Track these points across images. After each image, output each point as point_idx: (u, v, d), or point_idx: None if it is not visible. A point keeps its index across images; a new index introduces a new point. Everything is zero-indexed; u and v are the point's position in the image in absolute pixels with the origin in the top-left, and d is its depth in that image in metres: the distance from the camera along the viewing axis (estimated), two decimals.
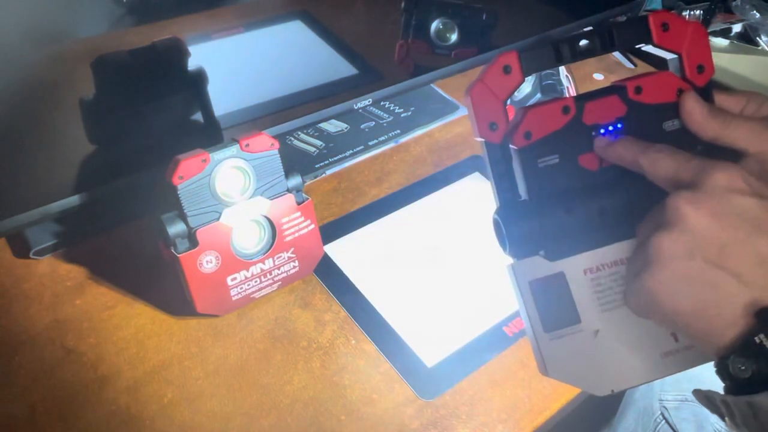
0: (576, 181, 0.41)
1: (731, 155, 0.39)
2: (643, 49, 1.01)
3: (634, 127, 0.41)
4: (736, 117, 0.39)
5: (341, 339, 0.61)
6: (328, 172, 0.80)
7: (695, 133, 0.40)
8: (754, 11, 1.02)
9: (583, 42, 0.41)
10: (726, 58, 1.00)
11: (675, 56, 0.42)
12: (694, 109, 0.40)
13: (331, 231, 0.72)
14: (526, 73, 0.40)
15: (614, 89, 0.41)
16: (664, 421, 0.72)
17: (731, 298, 0.34)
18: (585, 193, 0.41)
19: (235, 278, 0.60)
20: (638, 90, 0.41)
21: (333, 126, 0.86)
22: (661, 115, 0.41)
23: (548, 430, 0.58)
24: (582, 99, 0.41)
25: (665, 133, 0.41)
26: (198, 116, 0.66)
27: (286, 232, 0.61)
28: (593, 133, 0.41)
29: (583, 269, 0.41)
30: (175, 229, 0.56)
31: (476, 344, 0.61)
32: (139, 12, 0.58)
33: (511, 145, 0.41)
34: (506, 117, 0.41)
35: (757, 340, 0.33)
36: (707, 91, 0.42)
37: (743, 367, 0.34)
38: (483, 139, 0.41)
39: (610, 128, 0.41)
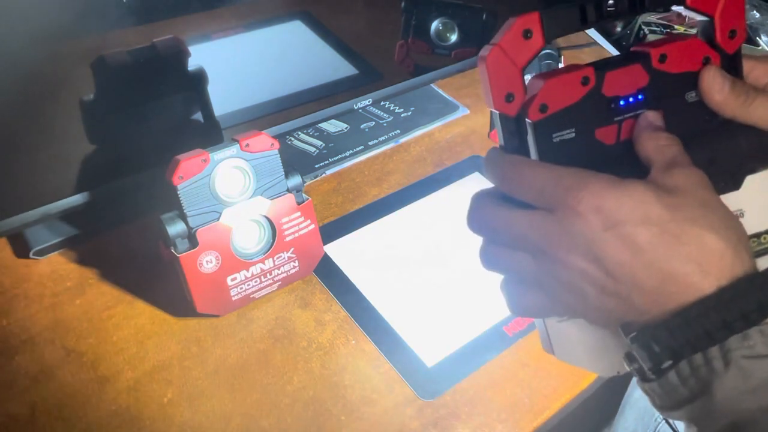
0: (591, 156, 0.38)
1: (750, 130, 0.38)
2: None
3: (655, 99, 0.38)
4: (760, 94, 0.38)
5: (341, 339, 0.61)
6: (328, 172, 0.80)
7: (714, 110, 0.39)
8: (754, 11, 1.02)
9: (611, 2, 0.37)
10: None
11: (706, 19, 0.39)
12: (712, 87, 0.38)
13: (331, 231, 0.72)
14: (547, 39, 0.36)
15: (637, 56, 0.38)
16: (663, 421, 0.72)
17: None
18: (600, 168, 0.37)
19: (235, 278, 0.60)
20: (663, 58, 0.38)
21: (333, 126, 0.86)
22: (684, 85, 0.39)
23: (548, 430, 0.58)
24: (602, 68, 0.38)
25: (687, 104, 0.39)
26: (198, 116, 0.66)
27: (286, 232, 0.61)
28: (612, 106, 0.38)
29: None
30: (175, 229, 0.56)
31: (476, 344, 0.61)
32: (139, 12, 0.58)
33: (526, 119, 0.37)
34: (524, 87, 0.37)
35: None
36: (736, 58, 0.40)
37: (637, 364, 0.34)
38: (499, 112, 0.37)
39: (631, 100, 0.38)
